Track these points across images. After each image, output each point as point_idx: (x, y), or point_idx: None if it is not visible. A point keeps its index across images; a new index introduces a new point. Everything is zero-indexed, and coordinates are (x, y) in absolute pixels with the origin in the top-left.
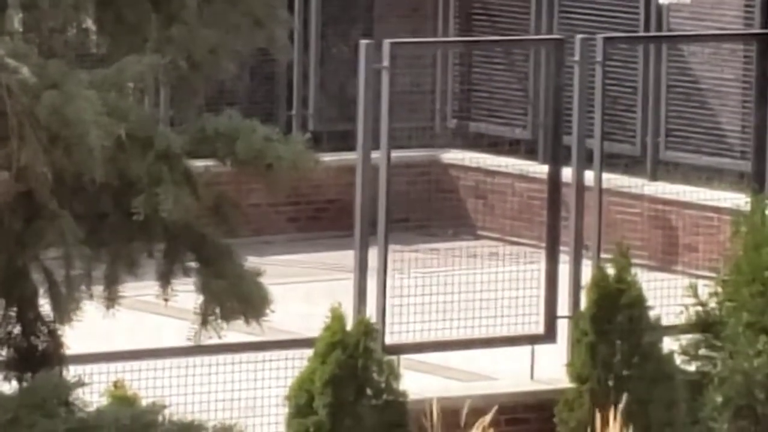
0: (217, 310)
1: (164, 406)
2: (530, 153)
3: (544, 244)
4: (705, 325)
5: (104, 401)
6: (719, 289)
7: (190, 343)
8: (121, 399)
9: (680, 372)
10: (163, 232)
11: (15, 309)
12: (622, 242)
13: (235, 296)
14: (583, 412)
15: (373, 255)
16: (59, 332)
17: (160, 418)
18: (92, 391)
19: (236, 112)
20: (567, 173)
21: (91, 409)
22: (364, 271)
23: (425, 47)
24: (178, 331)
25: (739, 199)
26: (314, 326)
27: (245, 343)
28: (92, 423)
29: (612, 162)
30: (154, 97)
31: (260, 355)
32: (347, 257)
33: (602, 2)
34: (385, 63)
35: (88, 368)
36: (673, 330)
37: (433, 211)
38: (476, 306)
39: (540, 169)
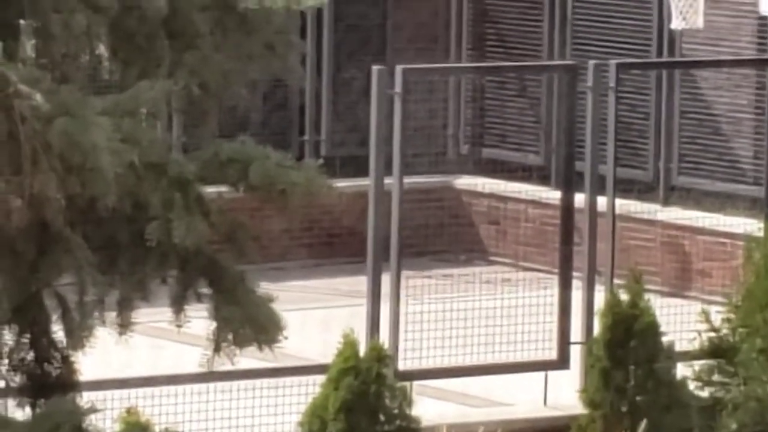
0: (230, 336)
1: None
2: (543, 179)
3: (557, 270)
4: (718, 351)
5: (117, 427)
6: (732, 315)
7: (204, 369)
8: (134, 425)
9: (694, 398)
10: (175, 258)
11: (28, 335)
12: (636, 268)
13: (247, 322)
14: None
15: (386, 281)
16: (72, 358)
17: None
18: (105, 417)
19: (249, 138)
20: (580, 199)
21: None
22: (377, 297)
23: (438, 73)
24: (191, 357)
25: (752, 225)
26: (328, 352)
27: (258, 369)
28: None
29: (625, 188)
30: (166, 122)
31: (273, 382)
32: (361, 283)
33: (615, 28)
34: (398, 89)
35: (101, 394)
36: (687, 356)
37: (445, 237)
38: (489, 332)
39: (553, 195)
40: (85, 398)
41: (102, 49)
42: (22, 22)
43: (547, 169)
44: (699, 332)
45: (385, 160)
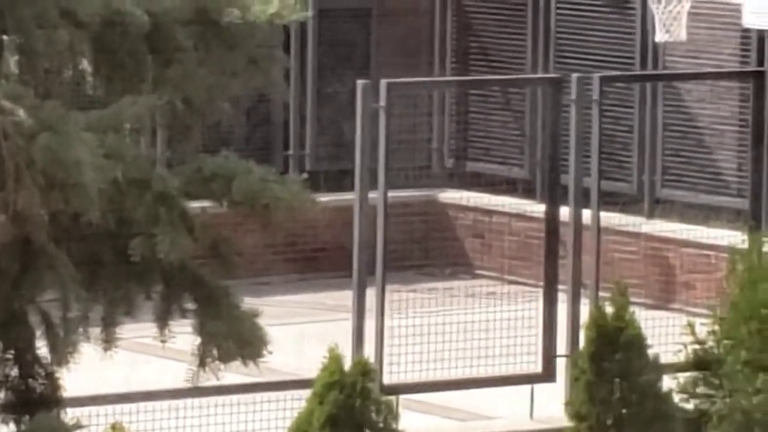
0: (215, 352)
1: None
2: (527, 192)
3: (542, 283)
4: (703, 363)
5: None
6: (717, 327)
7: (188, 385)
8: None
9: (679, 410)
10: (160, 273)
11: (12, 351)
12: (620, 281)
13: (232, 337)
14: None
15: (371, 295)
16: (57, 374)
17: None
18: None
19: (233, 153)
20: (564, 212)
21: None
22: (362, 311)
23: (422, 87)
24: (177, 373)
25: (736, 237)
26: (312, 367)
27: (243, 384)
28: None
29: (609, 201)
30: (150, 137)
31: (258, 397)
32: (346, 297)
33: (598, 41)
34: (382, 103)
35: (86, 410)
36: (672, 368)
37: (430, 251)
38: (474, 345)
39: (537, 208)
40: (70, 414)
41: (85, 65)
42: (5, 37)
43: (531, 182)
44: (684, 344)
45: (369, 174)
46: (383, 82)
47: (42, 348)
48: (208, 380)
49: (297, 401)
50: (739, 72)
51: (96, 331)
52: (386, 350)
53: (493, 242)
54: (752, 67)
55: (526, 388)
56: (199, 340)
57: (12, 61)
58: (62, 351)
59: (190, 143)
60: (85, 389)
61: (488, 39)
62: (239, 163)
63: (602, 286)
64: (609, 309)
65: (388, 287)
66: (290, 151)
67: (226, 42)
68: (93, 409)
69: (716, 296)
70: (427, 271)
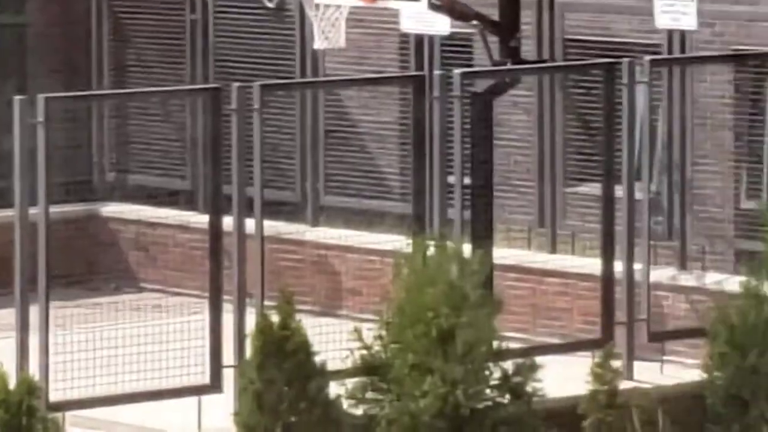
0: None
1: None
2: (190, 203)
3: (207, 294)
4: (371, 368)
5: None
6: (384, 332)
7: None
8: None
9: (348, 416)
10: None
11: None
12: (286, 289)
13: None
14: None
15: (34, 312)
16: None
17: None
18: None
19: None
20: (228, 222)
21: None
22: (25, 328)
23: (80, 101)
24: None
25: (400, 241)
26: None
27: None
28: None
29: (273, 209)
30: None
31: None
32: (9, 315)
33: (258, 49)
34: (40, 118)
35: None
36: (340, 374)
37: (94, 266)
38: (142, 359)
39: (201, 219)
40: None
41: None
42: None
43: (194, 193)
44: (351, 350)
45: (29, 190)
46: (40, 97)
47: None
48: None
49: None
50: (399, 77)
51: None
52: (52, 367)
53: (158, 255)
54: (411, 72)
55: (195, 399)
56: None
57: None
58: None
59: None
60: None
61: (146, 49)
62: None
63: (268, 295)
64: (275, 317)
65: (52, 303)
66: None
67: None
68: None
69: (382, 301)
70: (92, 286)
